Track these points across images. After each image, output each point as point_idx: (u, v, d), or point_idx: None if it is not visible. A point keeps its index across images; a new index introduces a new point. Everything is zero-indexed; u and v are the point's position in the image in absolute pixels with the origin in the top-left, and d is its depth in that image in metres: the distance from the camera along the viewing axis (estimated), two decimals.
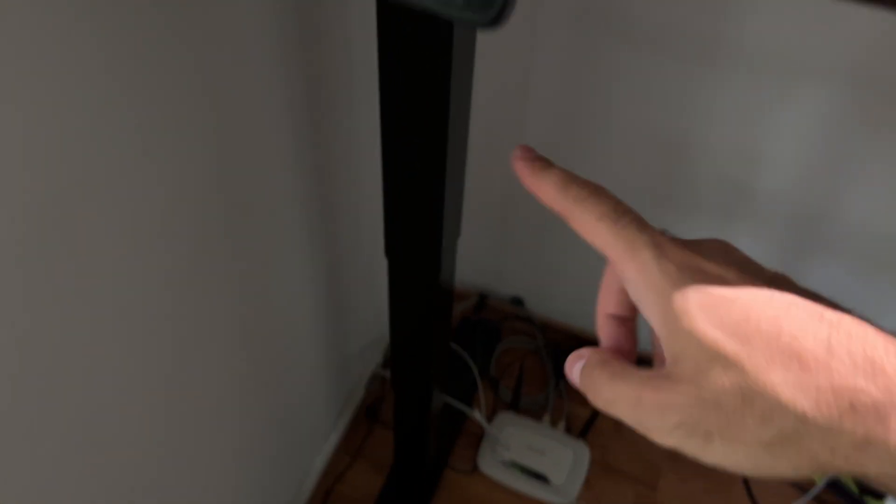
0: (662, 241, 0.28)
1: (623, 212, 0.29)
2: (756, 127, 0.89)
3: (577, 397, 1.16)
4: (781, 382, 0.24)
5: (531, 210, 1.13)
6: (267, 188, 0.73)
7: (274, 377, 0.89)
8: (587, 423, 1.14)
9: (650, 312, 0.28)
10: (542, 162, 0.31)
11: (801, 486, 1.01)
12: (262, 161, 0.70)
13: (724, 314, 0.25)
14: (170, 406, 0.67)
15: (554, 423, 1.14)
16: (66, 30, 0.43)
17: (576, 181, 0.30)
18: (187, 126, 0.57)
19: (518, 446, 1.11)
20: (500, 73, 0.95)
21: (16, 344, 0.47)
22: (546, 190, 0.30)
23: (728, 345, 0.25)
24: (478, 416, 1.11)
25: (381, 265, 0.71)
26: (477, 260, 1.22)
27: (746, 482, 1.04)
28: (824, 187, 0.91)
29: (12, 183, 0.43)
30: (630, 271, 0.28)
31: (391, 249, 0.64)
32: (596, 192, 0.30)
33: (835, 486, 1.04)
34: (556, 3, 0.88)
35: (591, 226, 0.29)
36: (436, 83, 0.48)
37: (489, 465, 1.10)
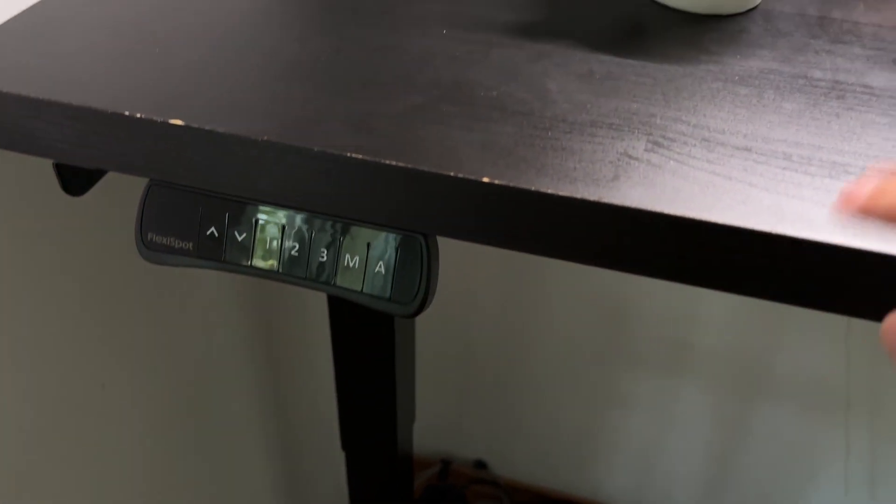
0: None
1: None
2: (690, 290, 0.96)
3: None
4: None
5: (488, 371, 1.16)
6: (233, 408, 0.80)
7: None
8: None
9: None
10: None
11: None
12: (230, 388, 0.78)
13: None
14: None
15: None
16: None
17: None
18: (164, 368, 0.63)
19: None
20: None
21: None
22: None
23: None
24: None
25: (340, 452, 0.74)
26: (437, 425, 1.24)
27: None
28: (757, 341, 0.98)
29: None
30: None
31: (347, 445, 0.67)
32: None
33: None
34: None
35: None
36: (382, 338, 0.54)
37: None
